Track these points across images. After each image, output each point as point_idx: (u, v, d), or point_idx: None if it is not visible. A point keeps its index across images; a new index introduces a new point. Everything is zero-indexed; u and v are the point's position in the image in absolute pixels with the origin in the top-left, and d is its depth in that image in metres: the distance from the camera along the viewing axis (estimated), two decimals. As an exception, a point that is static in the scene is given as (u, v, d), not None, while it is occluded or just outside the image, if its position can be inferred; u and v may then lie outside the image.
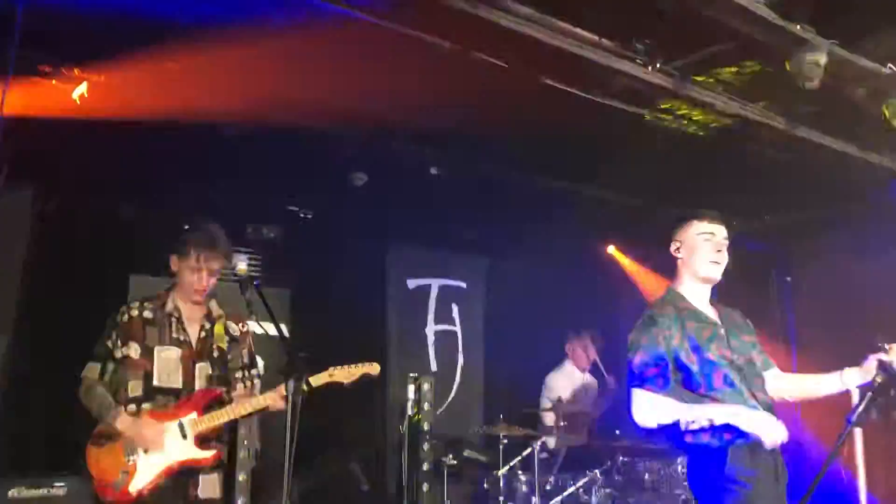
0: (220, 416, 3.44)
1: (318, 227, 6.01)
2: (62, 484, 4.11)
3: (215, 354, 3.59)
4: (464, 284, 7.05)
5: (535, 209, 6.12)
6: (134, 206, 5.24)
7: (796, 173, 5.24)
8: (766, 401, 3.11)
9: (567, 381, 6.25)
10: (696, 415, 2.99)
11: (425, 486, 5.65)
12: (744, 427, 2.91)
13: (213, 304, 3.70)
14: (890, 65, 3.70)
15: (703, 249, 3.19)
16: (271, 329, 3.32)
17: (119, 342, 3.47)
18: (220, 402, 3.52)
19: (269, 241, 5.81)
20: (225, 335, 3.62)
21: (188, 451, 3.40)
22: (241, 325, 3.71)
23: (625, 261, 7.25)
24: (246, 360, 3.69)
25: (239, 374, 3.63)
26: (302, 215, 5.95)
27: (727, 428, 2.95)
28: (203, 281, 3.56)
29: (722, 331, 3.18)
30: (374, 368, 3.61)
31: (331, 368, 3.53)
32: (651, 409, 3.02)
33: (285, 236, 5.89)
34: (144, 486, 3.32)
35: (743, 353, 3.17)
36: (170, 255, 3.60)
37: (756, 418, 2.95)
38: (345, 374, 3.55)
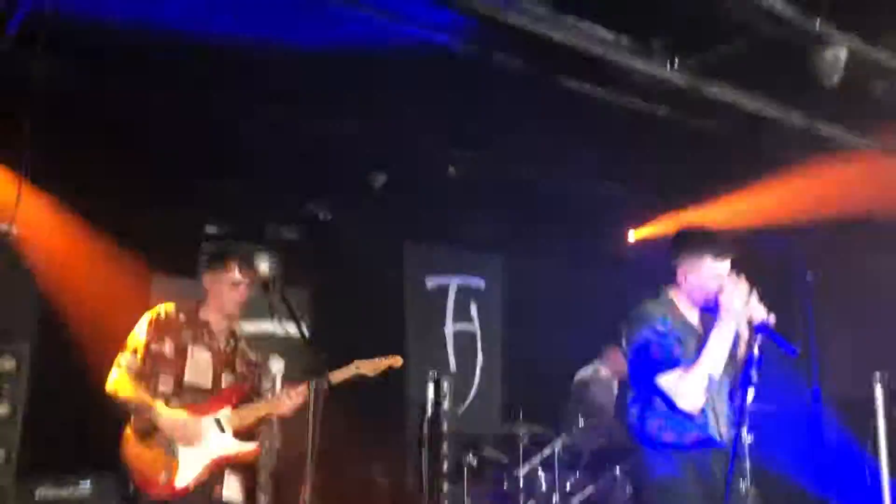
0: (258, 410, 3.51)
1: (337, 228, 6.04)
2: (87, 482, 4.18)
3: (239, 369, 3.65)
4: (482, 283, 7.05)
5: (554, 207, 6.12)
6: (155, 206, 5.29)
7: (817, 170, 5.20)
8: (729, 415, 3.20)
9: (594, 382, 6.24)
10: (711, 358, 3.03)
11: (445, 486, 5.67)
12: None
13: (236, 325, 3.76)
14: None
15: (710, 288, 3.17)
16: (293, 329, 3.36)
17: (155, 336, 3.48)
18: (248, 399, 3.58)
19: (290, 242, 5.85)
20: (244, 354, 3.69)
21: (230, 446, 3.44)
22: (257, 354, 3.75)
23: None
24: (259, 380, 3.74)
25: (258, 386, 3.71)
26: (321, 216, 5.98)
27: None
28: (244, 296, 3.60)
29: (699, 330, 3.23)
30: (396, 361, 3.68)
31: (356, 361, 3.58)
32: (687, 383, 3.04)
33: (305, 237, 5.93)
34: (190, 481, 3.33)
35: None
36: (202, 273, 3.65)
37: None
38: (370, 367, 3.62)
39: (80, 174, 4.76)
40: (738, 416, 3.04)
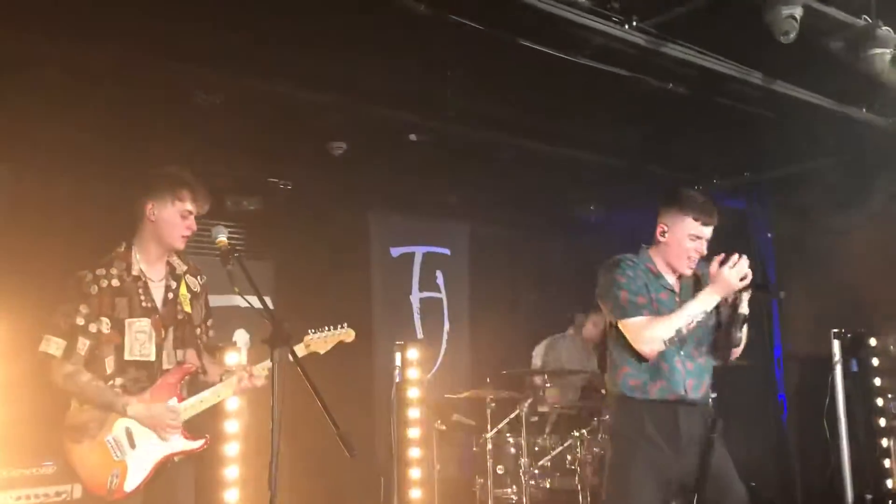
0: (204, 402, 3.29)
1: (298, 198, 5.97)
2: (51, 463, 4.12)
3: (180, 317, 3.37)
4: (448, 251, 7.05)
5: (517, 174, 6.11)
6: (109, 184, 5.16)
7: (775, 129, 5.25)
8: (699, 364, 3.29)
9: (567, 345, 6.31)
10: (687, 314, 3.15)
11: (415, 452, 5.71)
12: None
13: (175, 259, 3.42)
14: (865, 16, 3.69)
15: (687, 250, 3.27)
16: (255, 302, 3.27)
17: (90, 316, 3.15)
18: (193, 379, 3.37)
19: (250, 213, 5.77)
20: (188, 294, 3.41)
21: (176, 444, 3.23)
22: (198, 277, 3.49)
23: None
24: (203, 313, 3.48)
25: (199, 331, 3.45)
26: (282, 186, 5.90)
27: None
28: (192, 229, 3.31)
29: (677, 299, 3.32)
30: (348, 335, 3.53)
31: (307, 338, 3.44)
32: (661, 336, 3.13)
33: (266, 208, 5.85)
34: (140, 483, 3.13)
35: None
36: (145, 202, 3.26)
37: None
38: (320, 344, 3.47)
39: (33, 141, 4.63)
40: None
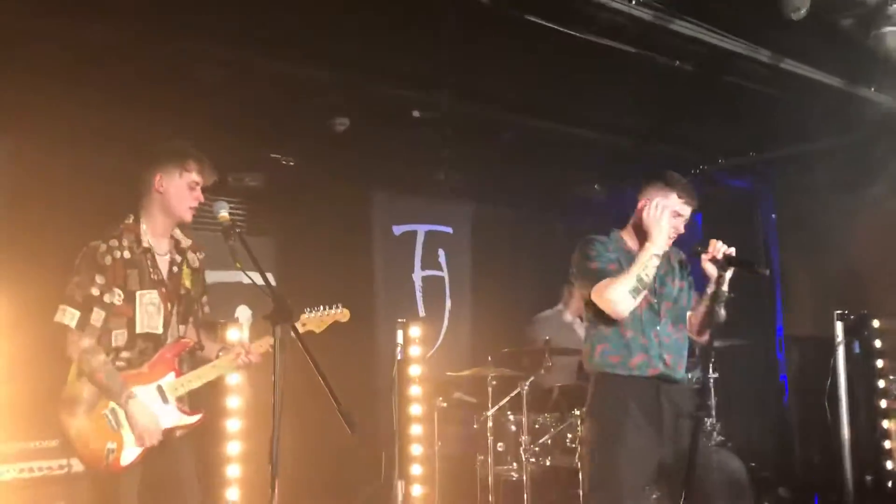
0: (201, 377, 3.30)
1: (301, 175, 5.94)
2: (54, 441, 4.13)
3: (182, 292, 3.37)
4: (450, 230, 7.03)
5: (521, 152, 6.07)
6: (112, 157, 5.13)
7: (782, 108, 5.20)
8: (676, 339, 3.33)
9: (556, 322, 6.29)
10: (642, 263, 3.21)
11: (417, 429, 5.73)
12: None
13: (178, 233, 3.43)
14: (877, -7, 3.64)
15: (668, 227, 3.29)
16: (257, 278, 3.26)
17: (105, 287, 3.15)
18: (191, 354, 3.39)
19: (252, 189, 5.74)
20: (188, 269, 3.42)
21: (172, 417, 3.24)
22: (198, 253, 3.50)
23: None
24: (201, 289, 3.49)
25: (195, 306, 3.46)
26: (284, 163, 5.87)
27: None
28: (198, 200, 3.32)
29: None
30: (343, 315, 3.55)
31: (303, 316, 3.46)
32: (623, 289, 3.16)
33: (268, 184, 5.82)
34: (137, 457, 3.14)
35: (667, 298, 3.36)
36: (153, 174, 3.28)
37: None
38: (316, 323, 3.49)
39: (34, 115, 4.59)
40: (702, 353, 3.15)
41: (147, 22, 3.93)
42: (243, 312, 5.66)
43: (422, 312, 6.66)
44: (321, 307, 3.52)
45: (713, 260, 3.18)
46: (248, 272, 3.02)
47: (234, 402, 4.91)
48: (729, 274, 3.18)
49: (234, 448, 4.88)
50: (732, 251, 3.16)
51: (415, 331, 5.86)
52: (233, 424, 4.90)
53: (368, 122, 5.29)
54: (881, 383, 5.63)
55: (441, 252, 6.96)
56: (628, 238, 3.43)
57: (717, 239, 3.24)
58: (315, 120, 5.24)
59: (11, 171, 4.77)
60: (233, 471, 4.86)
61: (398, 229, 6.75)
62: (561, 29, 4.01)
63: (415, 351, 5.84)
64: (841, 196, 5.94)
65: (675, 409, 3.22)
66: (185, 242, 3.46)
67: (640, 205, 3.37)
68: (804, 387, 6.30)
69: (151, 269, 3.28)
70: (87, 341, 3.13)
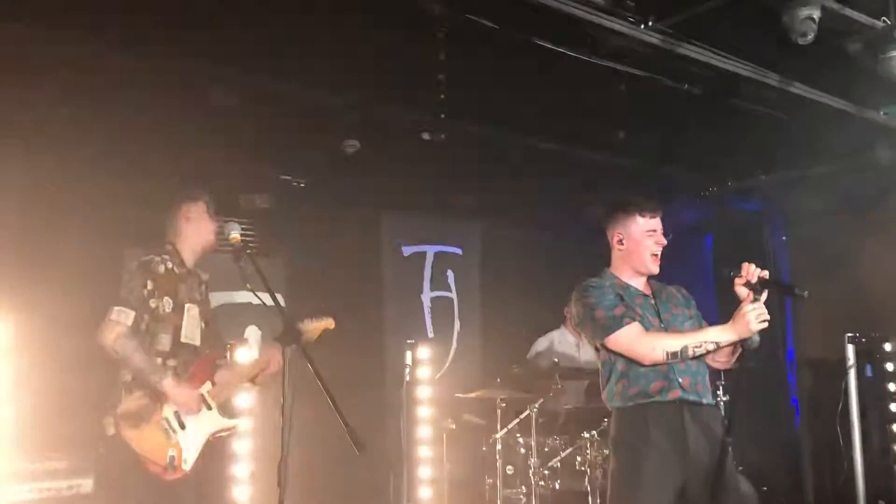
0: (233, 384, 3.58)
1: (311, 196, 5.98)
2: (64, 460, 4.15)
3: (209, 311, 3.74)
4: (459, 251, 7.04)
5: (530, 173, 6.09)
6: (126, 177, 5.18)
7: (790, 131, 5.22)
8: (689, 364, 3.22)
9: (551, 343, 6.28)
10: (699, 339, 3.12)
11: (425, 451, 5.71)
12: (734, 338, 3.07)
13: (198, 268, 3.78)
14: (884, 18, 3.65)
15: (648, 246, 3.31)
16: (267, 299, 3.28)
17: (156, 293, 3.45)
18: (219, 366, 3.65)
19: (263, 211, 5.78)
20: (207, 292, 3.77)
21: (219, 421, 3.52)
22: (204, 274, 3.80)
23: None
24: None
25: (213, 325, 3.78)
26: (295, 184, 5.91)
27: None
28: (215, 231, 3.66)
29: (653, 301, 3.34)
30: (329, 323, 3.69)
31: (301, 325, 3.54)
32: (658, 339, 3.12)
33: (278, 206, 5.86)
34: (195, 459, 3.39)
35: (673, 325, 3.30)
36: (178, 210, 3.63)
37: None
38: (310, 332, 3.60)
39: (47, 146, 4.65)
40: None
41: (161, 45, 3.98)
42: (253, 333, 5.68)
43: (430, 334, 6.66)
44: (308, 319, 3.65)
45: (747, 284, 3.09)
46: (258, 293, 3.08)
47: (242, 423, 4.91)
48: (763, 297, 3.09)
49: (241, 470, 4.88)
50: (766, 274, 3.07)
51: (423, 352, 5.86)
52: (241, 446, 4.90)
53: (378, 144, 5.33)
54: (893, 407, 5.58)
55: (450, 273, 6.97)
56: (620, 271, 3.40)
57: (727, 261, 3.22)
58: (325, 142, 5.28)
59: (28, 196, 4.82)
60: (241, 492, 4.85)
61: (407, 250, 6.76)
62: (569, 53, 4.04)
63: (423, 372, 5.84)
64: (851, 218, 5.93)
65: (702, 433, 3.15)
66: (203, 276, 3.78)
67: (615, 240, 3.37)
68: (816, 410, 6.25)
69: (195, 287, 3.61)
70: (123, 328, 3.31)
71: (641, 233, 3.31)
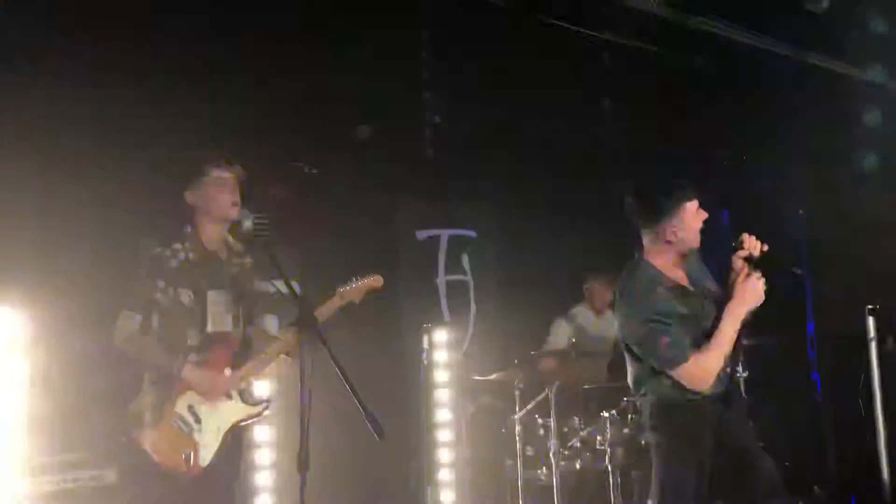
0: (254, 368, 3.41)
1: (324, 183, 5.97)
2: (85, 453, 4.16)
3: (243, 293, 3.51)
4: (473, 234, 7.01)
5: (542, 154, 6.06)
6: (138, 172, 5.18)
7: (806, 103, 5.15)
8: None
9: (573, 324, 6.26)
10: (729, 337, 3.08)
11: (444, 434, 5.71)
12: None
13: (230, 239, 3.54)
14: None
15: (696, 232, 3.24)
16: (282, 287, 3.27)
17: (170, 290, 3.29)
18: (242, 350, 3.49)
19: (276, 199, 5.77)
20: (245, 272, 3.55)
21: (240, 410, 3.39)
22: (246, 257, 3.60)
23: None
24: (254, 290, 3.61)
25: (254, 307, 3.62)
26: (307, 171, 5.90)
27: None
28: (234, 193, 3.40)
29: (692, 288, 3.26)
30: (377, 281, 3.61)
31: (340, 290, 3.50)
32: (707, 370, 3.07)
33: (292, 194, 5.85)
34: (213, 455, 3.27)
35: (709, 297, 3.26)
36: (184, 188, 3.43)
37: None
38: (353, 293, 3.53)
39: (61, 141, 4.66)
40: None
41: (175, 35, 3.98)
42: (271, 321, 5.69)
43: (447, 317, 6.65)
44: (354, 279, 3.56)
45: (749, 257, 3.08)
46: (274, 281, 3.07)
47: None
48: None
49: (262, 457, 4.91)
50: (766, 248, 3.09)
51: (440, 335, 5.85)
52: (261, 433, 4.92)
53: (391, 129, 5.31)
54: (916, 379, 5.52)
55: (465, 256, 6.95)
56: (658, 259, 3.28)
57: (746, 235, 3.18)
58: (338, 128, 5.27)
59: (40, 189, 4.83)
60: (262, 478, 4.88)
61: (421, 234, 6.74)
62: (581, 30, 3.99)
63: (441, 356, 5.83)
64: (869, 189, 5.85)
65: (732, 421, 3.14)
66: (237, 247, 3.56)
67: (669, 233, 3.23)
68: (837, 384, 6.20)
69: (218, 271, 3.40)
70: (129, 332, 3.24)
71: (692, 217, 3.23)
